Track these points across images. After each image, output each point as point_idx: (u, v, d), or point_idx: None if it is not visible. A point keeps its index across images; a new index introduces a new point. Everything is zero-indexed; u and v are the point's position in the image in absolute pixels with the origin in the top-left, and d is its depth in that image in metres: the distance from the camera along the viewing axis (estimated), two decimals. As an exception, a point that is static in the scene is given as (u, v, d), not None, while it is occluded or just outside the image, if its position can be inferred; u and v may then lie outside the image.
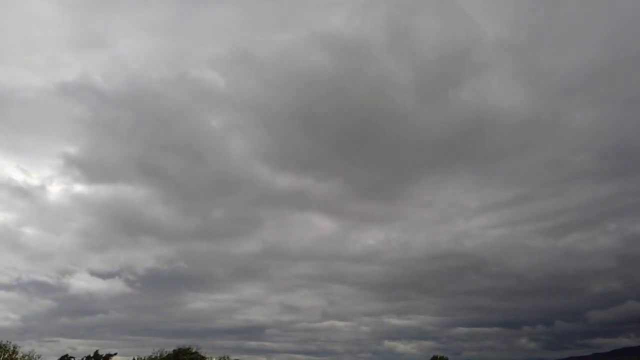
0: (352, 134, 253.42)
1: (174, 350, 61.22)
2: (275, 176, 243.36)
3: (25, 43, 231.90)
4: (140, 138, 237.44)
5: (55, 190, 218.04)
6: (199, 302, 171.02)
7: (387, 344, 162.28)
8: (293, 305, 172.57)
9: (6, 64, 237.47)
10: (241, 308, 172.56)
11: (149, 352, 62.21)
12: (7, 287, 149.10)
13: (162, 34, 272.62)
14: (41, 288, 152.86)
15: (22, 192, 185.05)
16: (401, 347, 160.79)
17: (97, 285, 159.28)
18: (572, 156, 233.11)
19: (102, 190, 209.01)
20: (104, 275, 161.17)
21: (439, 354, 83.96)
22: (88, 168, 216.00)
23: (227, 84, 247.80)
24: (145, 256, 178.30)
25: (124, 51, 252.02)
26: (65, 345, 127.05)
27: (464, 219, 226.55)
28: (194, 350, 61.98)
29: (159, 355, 60.83)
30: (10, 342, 52.80)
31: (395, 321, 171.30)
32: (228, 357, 68.55)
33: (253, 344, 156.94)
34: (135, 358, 65.31)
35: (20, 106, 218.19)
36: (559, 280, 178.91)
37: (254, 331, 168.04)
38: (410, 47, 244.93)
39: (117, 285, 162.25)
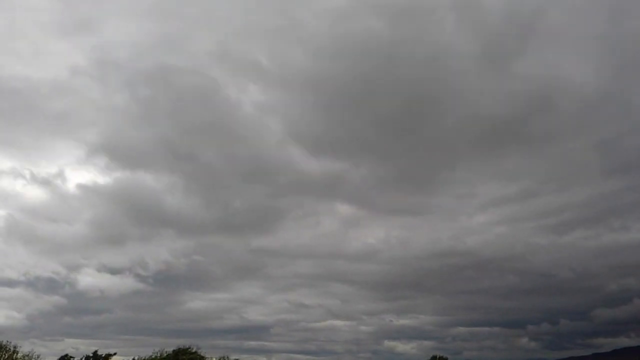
0: (401, 112, 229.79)
1: (173, 350, 61.14)
2: (310, 160, 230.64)
3: (23, 31, 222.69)
4: (166, 121, 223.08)
5: (73, 179, 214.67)
6: (198, 302, 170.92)
7: (387, 343, 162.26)
8: (292, 305, 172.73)
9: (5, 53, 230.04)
10: (240, 307, 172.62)
11: (148, 352, 62.19)
12: (14, 284, 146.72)
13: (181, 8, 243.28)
14: (48, 284, 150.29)
15: (38, 182, 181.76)
16: (401, 347, 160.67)
17: (106, 281, 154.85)
18: (629, 138, 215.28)
19: (122, 178, 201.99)
20: (114, 271, 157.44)
21: (439, 353, 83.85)
22: (110, 155, 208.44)
23: (269, 57, 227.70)
24: (159, 251, 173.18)
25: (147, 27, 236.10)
26: (69, 345, 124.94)
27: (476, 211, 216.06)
28: (193, 350, 61.90)
29: (158, 355, 60.72)
30: (10, 342, 52.82)
31: (395, 321, 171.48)
32: (228, 357, 68.50)
33: (252, 343, 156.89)
34: (135, 358, 65.26)
35: (33, 94, 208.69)
36: (563, 278, 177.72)
37: (253, 331, 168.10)
38: (476, 8, 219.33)
39: (126, 282, 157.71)
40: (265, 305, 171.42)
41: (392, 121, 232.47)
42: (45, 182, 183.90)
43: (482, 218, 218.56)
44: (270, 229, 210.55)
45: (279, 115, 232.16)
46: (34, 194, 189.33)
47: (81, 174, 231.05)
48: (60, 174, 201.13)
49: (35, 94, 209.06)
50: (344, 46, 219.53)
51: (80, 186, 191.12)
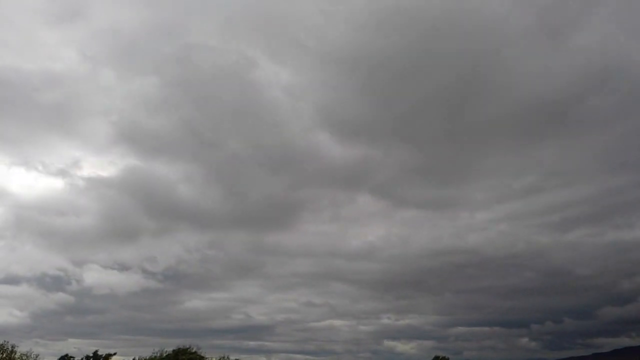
0: (445, 92, 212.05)
1: (173, 350, 60.77)
2: (338, 148, 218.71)
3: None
4: (188, 107, 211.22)
5: (87, 170, 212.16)
6: (196, 301, 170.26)
7: (387, 343, 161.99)
8: (292, 304, 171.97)
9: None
10: (239, 307, 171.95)
11: (148, 352, 61.79)
12: (18, 280, 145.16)
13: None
14: (53, 281, 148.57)
15: (50, 174, 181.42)
16: (401, 347, 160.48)
17: (113, 278, 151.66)
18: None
19: (137, 169, 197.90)
20: (121, 267, 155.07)
21: (439, 353, 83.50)
22: (126, 144, 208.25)
23: (305, 32, 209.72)
24: (171, 246, 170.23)
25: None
26: (71, 345, 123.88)
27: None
28: (193, 350, 61.51)
29: (158, 355, 60.35)
30: (7, 342, 52.48)
31: (395, 321, 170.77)
32: (228, 357, 68.01)
33: (252, 343, 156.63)
34: (136, 358, 64.92)
35: (37, 87, 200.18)
36: (567, 277, 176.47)
37: (253, 331, 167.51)
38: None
39: (133, 280, 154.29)
40: (265, 305, 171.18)
41: (433, 102, 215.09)
42: (55, 175, 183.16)
43: (482, 215, 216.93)
44: (286, 224, 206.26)
45: (310, 97, 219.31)
46: (44, 187, 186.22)
47: (96, 165, 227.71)
48: (73, 165, 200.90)
49: (39, 85, 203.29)
50: (386, 18, 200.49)
51: (93, 179, 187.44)
